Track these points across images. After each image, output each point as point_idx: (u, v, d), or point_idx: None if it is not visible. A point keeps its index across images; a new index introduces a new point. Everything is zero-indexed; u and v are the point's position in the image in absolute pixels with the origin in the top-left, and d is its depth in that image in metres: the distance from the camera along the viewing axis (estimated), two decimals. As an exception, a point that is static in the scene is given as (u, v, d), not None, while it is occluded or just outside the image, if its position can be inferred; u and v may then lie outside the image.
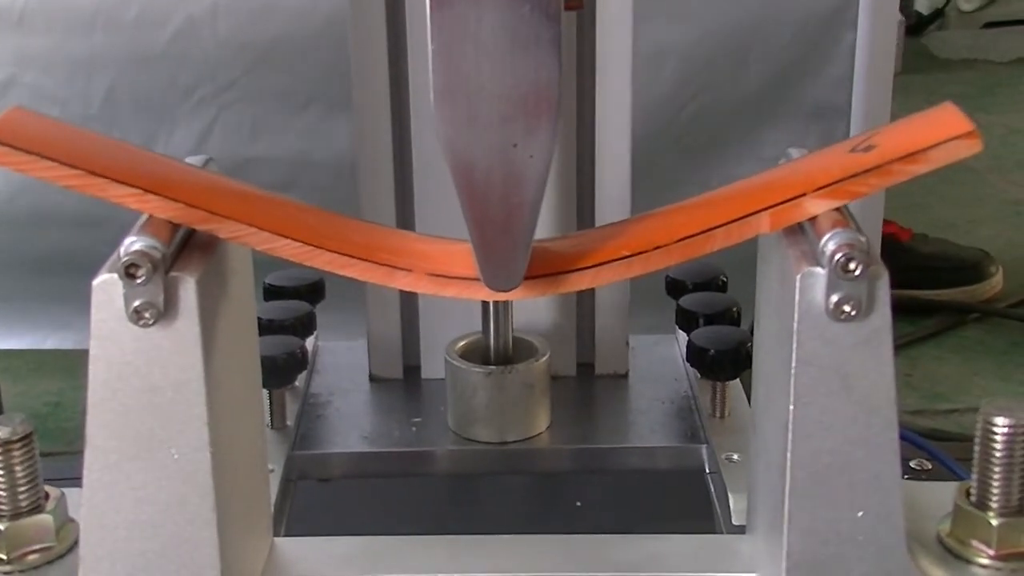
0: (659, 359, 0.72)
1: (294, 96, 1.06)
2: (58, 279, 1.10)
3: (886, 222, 1.29)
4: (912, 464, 0.65)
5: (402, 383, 0.70)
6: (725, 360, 0.63)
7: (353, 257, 0.41)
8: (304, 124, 1.07)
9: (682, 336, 0.70)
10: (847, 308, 0.40)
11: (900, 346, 1.15)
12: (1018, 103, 2.01)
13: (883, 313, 0.40)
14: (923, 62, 2.24)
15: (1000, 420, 0.44)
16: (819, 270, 0.40)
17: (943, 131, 0.40)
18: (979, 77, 2.17)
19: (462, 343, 0.64)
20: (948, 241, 1.33)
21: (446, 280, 0.42)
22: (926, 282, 1.26)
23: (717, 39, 1.05)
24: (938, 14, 2.35)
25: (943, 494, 0.47)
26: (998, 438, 0.44)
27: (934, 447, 0.67)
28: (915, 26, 2.32)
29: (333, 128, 1.06)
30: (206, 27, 1.04)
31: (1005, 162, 1.71)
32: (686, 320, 0.68)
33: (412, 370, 0.70)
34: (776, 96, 1.06)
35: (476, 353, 0.64)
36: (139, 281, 0.39)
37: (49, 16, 1.06)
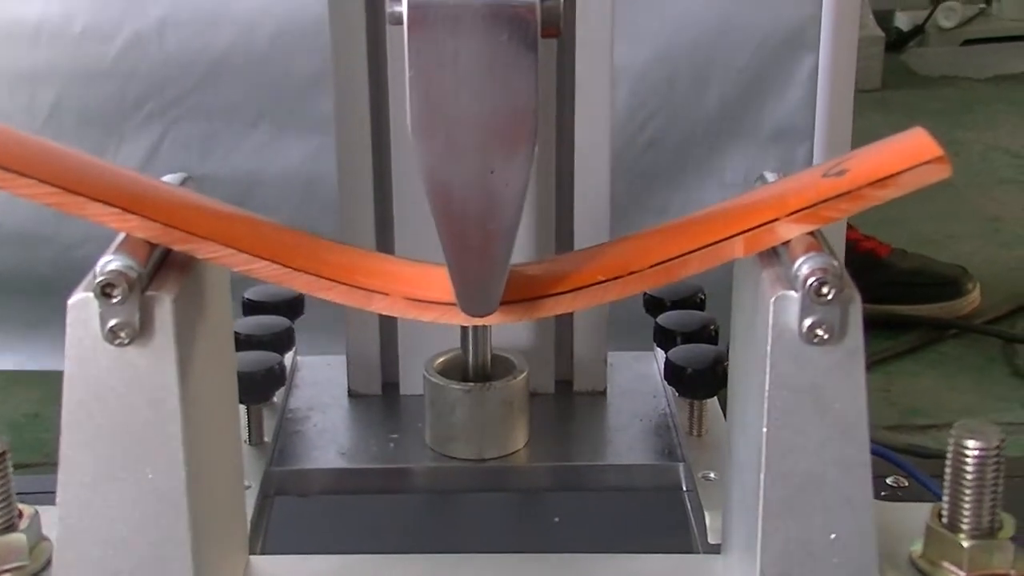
0: (637, 376, 0.72)
1: (244, 112, 1.04)
2: None
3: (865, 237, 1.30)
4: (888, 481, 0.65)
5: (380, 399, 0.70)
6: (702, 379, 0.63)
7: (331, 280, 0.41)
8: (254, 141, 1.05)
9: (660, 353, 0.70)
10: (820, 332, 0.41)
11: (878, 361, 1.16)
12: (996, 120, 2.03)
13: (856, 337, 0.41)
14: (903, 78, 2.26)
15: (971, 443, 0.44)
16: (792, 294, 0.41)
17: (913, 156, 0.40)
18: (958, 94, 2.19)
19: (441, 360, 0.64)
20: (926, 257, 1.34)
21: (424, 304, 0.42)
22: (904, 297, 1.26)
23: (674, 60, 1.03)
24: (918, 31, 2.38)
25: (915, 515, 0.47)
26: (969, 461, 0.44)
27: (911, 464, 0.67)
28: (895, 42, 2.34)
29: (284, 145, 1.04)
30: (153, 41, 1.02)
31: (983, 178, 1.72)
32: (664, 338, 0.69)
33: (391, 386, 0.70)
34: (735, 119, 1.05)
35: (455, 370, 0.64)
36: (115, 300, 0.39)
37: None
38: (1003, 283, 1.35)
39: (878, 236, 1.31)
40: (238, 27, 1.02)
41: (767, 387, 0.41)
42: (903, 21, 2.40)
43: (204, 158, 1.05)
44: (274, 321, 0.69)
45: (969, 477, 0.44)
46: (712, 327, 0.68)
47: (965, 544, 0.44)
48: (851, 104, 0.98)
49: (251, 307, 0.71)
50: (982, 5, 2.40)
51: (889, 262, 1.30)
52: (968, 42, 2.36)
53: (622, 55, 1.01)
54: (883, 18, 2.29)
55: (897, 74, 2.25)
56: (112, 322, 0.39)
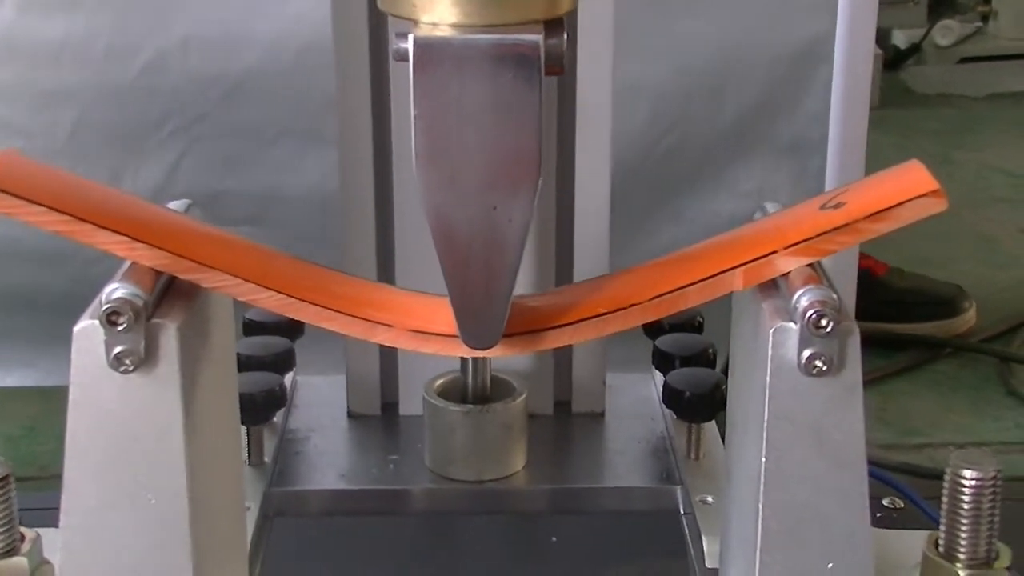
0: (636, 398, 0.72)
1: (265, 130, 1.05)
2: (19, 317, 1.08)
3: (862, 256, 1.30)
4: (884, 502, 0.66)
5: (380, 420, 0.70)
6: (700, 403, 0.63)
7: (335, 311, 0.42)
8: (275, 158, 1.05)
9: (658, 376, 0.71)
10: (819, 363, 0.41)
11: (873, 380, 1.16)
12: (993, 139, 2.04)
13: (854, 369, 0.41)
14: (900, 96, 2.27)
15: (968, 473, 0.45)
16: (791, 325, 0.41)
17: (909, 189, 0.41)
18: (955, 112, 2.20)
19: (440, 381, 0.65)
20: (923, 276, 1.34)
21: (426, 336, 0.42)
22: (900, 316, 1.27)
23: (692, 74, 1.05)
24: (915, 49, 2.39)
25: (913, 544, 0.48)
26: (966, 490, 0.45)
27: (907, 486, 0.67)
28: (893, 60, 2.35)
29: (304, 162, 1.05)
30: (176, 60, 1.02)
31: (980, 198, 1.73)
32: (662, 361, 0.69)
33: (390, 407, 0.70)
34: (751, 131, 1.06)
35: (454, 392, 0.64)
36: (120, 328, 0.40)
37: (15, 48, 1.04)
38: (999, 302, 1.35)
39: (874, 255, 1.32)
40: (260, 46, 1.02)
41: (766, 417, 0.42)
42: (900, 39, 2.41)
43: (224, 175, 1.05)
44: (275, 341, 0.70)
45: (966, 506, 0.45)
46: (710, 351, 0.69)
47: (962, 573, 0.45)
48: (865, 116, 0.98)
49: (252, 327, 0.71)
50: (979, 24, 2.41)
51: (885, 281, 1.30)
52: (965, 60, 2.37)
53: (641, 72, 1.03)
54: (881, 36, 2.30)
55: (895, 92, 2.26)
56: (117, 349, 0.40)
